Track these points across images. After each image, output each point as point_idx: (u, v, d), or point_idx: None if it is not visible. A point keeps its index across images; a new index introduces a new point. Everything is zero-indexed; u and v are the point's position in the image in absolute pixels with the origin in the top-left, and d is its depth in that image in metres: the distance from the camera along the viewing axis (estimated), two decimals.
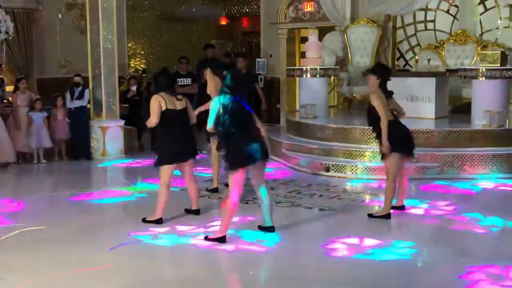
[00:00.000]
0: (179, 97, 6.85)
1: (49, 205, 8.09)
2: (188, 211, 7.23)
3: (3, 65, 12.68)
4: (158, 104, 6.68)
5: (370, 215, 7.11)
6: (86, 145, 11.22)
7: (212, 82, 8.39)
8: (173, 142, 6.77)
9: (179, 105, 6.80)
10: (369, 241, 6.12)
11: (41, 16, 14.17)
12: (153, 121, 6.72)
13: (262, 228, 6.47)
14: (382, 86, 6.99)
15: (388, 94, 7.01)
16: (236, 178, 6.07)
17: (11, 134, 10.55)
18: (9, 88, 11.95)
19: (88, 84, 11.36)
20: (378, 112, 6.85)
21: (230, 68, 11.74)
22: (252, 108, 6.26)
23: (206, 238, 6.28)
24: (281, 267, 5.60)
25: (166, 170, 6.81)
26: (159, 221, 6.83)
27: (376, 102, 6.86)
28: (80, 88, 11.17)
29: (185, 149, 6.87)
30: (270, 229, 6.42)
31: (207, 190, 8.46)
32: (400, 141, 6.95)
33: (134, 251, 6.01)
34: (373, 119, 6.95)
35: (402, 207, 7.30)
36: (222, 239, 6.15)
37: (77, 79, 11.27)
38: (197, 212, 7.19)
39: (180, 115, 6.81)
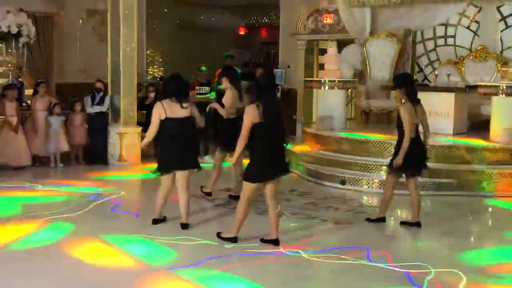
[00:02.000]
0: (185, 105, 6.69)
1: None
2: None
3: (23, 69, 12.75)
4: (157, 113, 6.66)
5: (403, 223, 7.24)
6: (104, 150, 11.27)
7: (229, 93, 8.36)
8: (171, 152, 6.76)
9: (182, 113, 6.67)
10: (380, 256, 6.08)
11: (62, 21, 14.26)
12: (151, 132, 6.74)
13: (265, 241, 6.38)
14: (411, 93, 7.02)
15: (416, 101, 7.04)
16: (248, 189, 6.18)
17: (27, 137, 10.62)
18: (29, 92, 12.02)
19: (107, 90, 11.42)
20: (404, 126, 6.86)
21: (248, 78, 11.80)
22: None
23: (218, 235, 6.43)
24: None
25: (164, 177, 6.89)
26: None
27: (404, 116, 6.90)
28: (101, 94, 11.25)
29: (183, 159, 6.80)
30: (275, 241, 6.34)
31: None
32: (414, 161, 7.02)
33: None
34: (400, 131, 7.02)
35: (383, 219, 7.36)
36: (234, 239, 6.31)
37: (98, 84, 11.34)
38: (185, 226, 6.87)
39: (180, 124, 6.69)
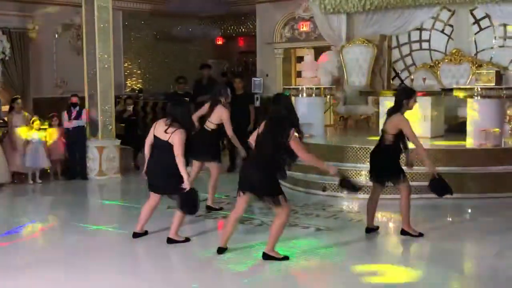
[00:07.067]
0: (168, 130, 6.49)
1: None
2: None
3: None
4: (151, 128, 6.74)
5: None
6: (83, 165, 11.20)
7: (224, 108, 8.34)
8: (148, 169, 6.74)
9: (162, 136, 6.53)
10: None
11: (37, 36, 14.19)
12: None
13: None
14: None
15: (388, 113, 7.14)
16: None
17: (6, 154, 10.52)
18: (5, 108, 11.94)
19: (85, 104, 11.37)
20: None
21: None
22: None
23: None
24: None
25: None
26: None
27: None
28: (77, 108, 11.20)
29: (154, 181, 6.75)
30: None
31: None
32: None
33: None
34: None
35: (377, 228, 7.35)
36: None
37: (74, 99, 11.29)
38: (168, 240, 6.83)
39: (156, 145, 6.63)
